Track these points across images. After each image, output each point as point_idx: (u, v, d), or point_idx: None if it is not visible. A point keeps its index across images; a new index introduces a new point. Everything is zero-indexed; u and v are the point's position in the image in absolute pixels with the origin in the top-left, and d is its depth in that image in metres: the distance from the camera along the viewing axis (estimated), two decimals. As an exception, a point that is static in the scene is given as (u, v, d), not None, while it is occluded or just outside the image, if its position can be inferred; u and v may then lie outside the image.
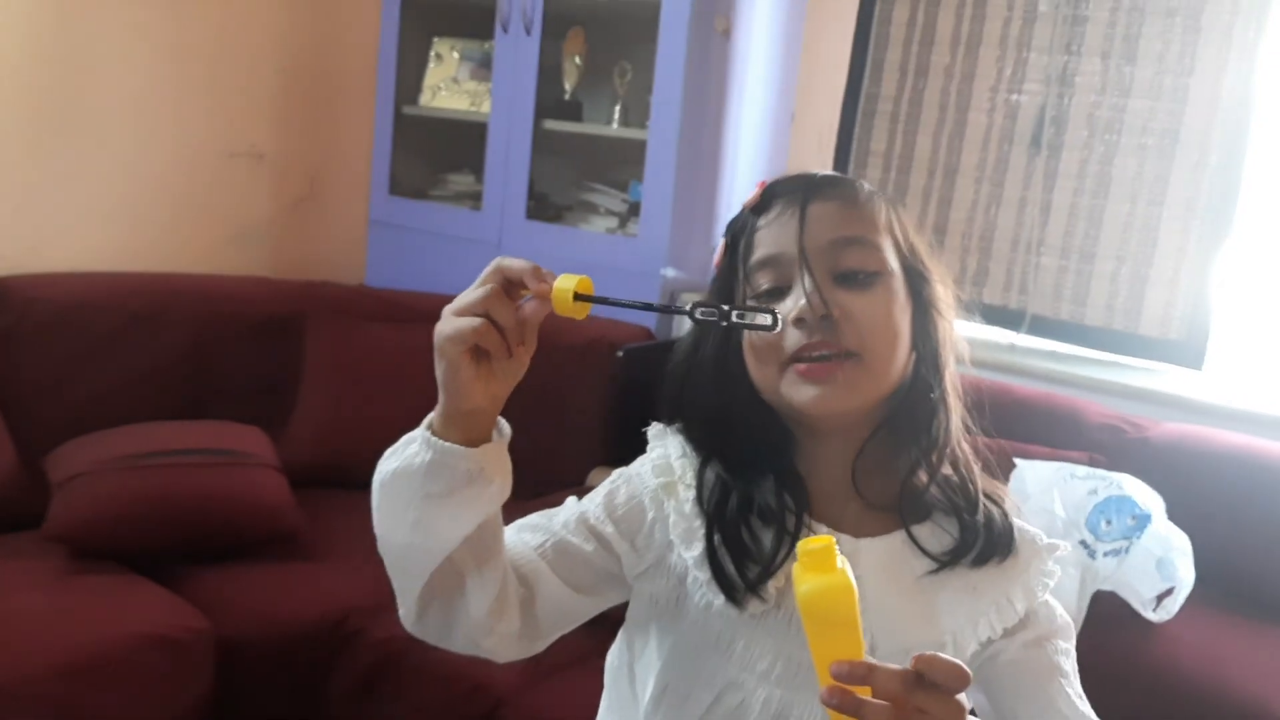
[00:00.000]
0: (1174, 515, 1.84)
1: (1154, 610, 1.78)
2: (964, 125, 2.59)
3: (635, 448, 0.97)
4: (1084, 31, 2.44)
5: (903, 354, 0.88)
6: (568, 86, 2.79)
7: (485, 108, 2.81)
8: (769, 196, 0.92)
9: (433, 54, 2.96)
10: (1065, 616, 0.92)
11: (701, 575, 0.87)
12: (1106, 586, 1.79)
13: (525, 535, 0.92)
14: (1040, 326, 2.53)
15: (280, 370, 2.52)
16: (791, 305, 0.85)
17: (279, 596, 1.97)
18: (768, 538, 0.87)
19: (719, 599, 0.86)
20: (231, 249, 2.90)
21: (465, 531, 0.80)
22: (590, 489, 0.96)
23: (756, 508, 0.89)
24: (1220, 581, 1.87)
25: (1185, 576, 1.76)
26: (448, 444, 0.78)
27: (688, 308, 0.81)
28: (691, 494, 0.90)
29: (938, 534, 0.90)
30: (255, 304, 2.58)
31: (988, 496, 0.92)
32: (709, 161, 2.61)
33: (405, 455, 0.80)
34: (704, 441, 0.93)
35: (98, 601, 1.84)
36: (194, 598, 1.90)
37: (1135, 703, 1.72)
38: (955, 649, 0.86)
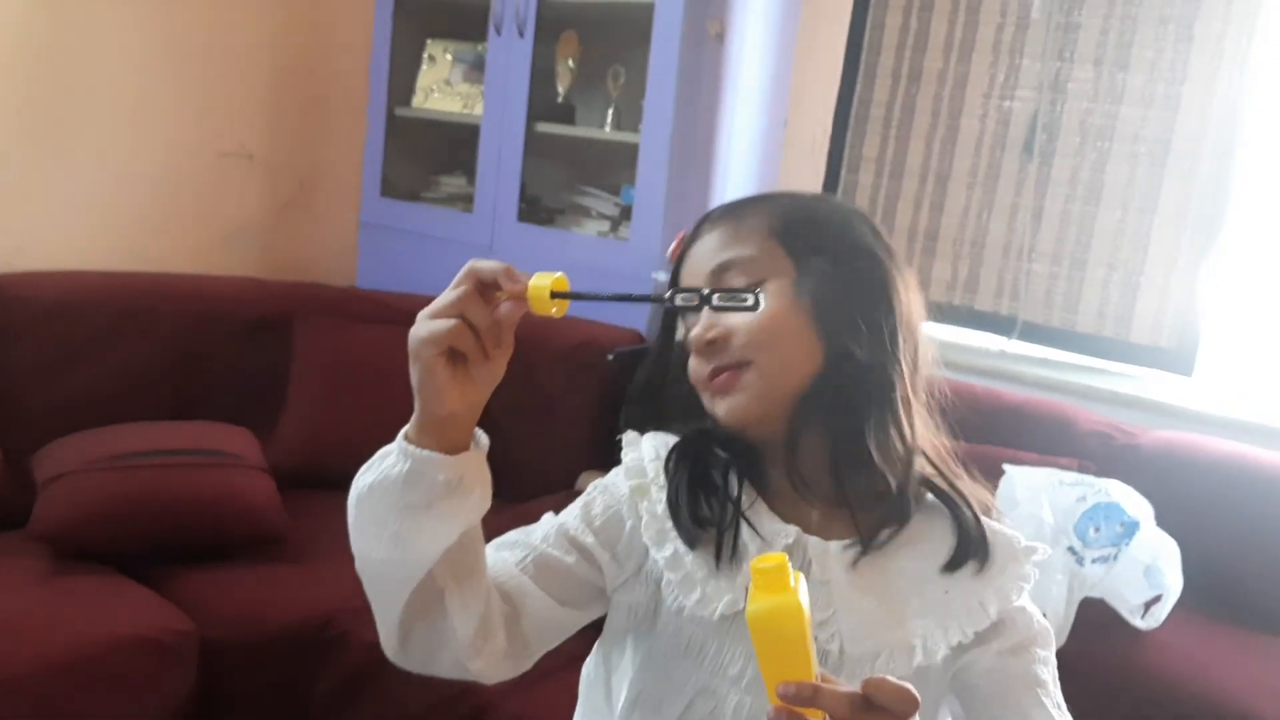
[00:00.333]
0: (1163, 522, 1.84)
1: (1142, 617, 1.78)
2: (956, 131, 2.59)
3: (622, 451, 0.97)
4: (1076, 39, 2.45)
5: (801, 349, 0.88)
6: (560, 89, 2.78)
7: (478, 110, 2.80)
8: (688, 241, 0.97)
9: (425, 56, 2.95)
10: (1044, 622, 0.91)
11: (673, 576, 0.87)
12: (1094, 593, 1.79)
13: (504, 553, 0.91)
14: (1031, 333, 2.53)
15: (269, 371, 2.51)
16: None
17: (264, 598, 1.96)
18: (718, 506, 0.89)
19: (691, 598, 0.86)
20: (222, 249, 2.89)
21: (446, 544, 0.78)
22: (580, 492, 0.96)
23: (709, 480, 0.90)
24: (1208, 589, 1.86)
25: (1173, 584, 1.76)
26: (426, 452, 0.77)
27: (666, 295, 0.81)
28: (664, 495, 0.90)
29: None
30: (245, 304, 2.57)
31: (963, 497, 0.91)
32: (701, 166, 2.60)
33: (382, 467, 0.79)
34: (678, 441, 0.94)
35: (82, 602, 1.83)
36: (179, 599, 1.89)
37: (1122, 710, 1.72)
38: (925, 653, 0.86)
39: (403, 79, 2.94)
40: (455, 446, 0.78)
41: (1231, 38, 2.29)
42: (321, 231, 3.12)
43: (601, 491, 0.94)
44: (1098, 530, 1.78)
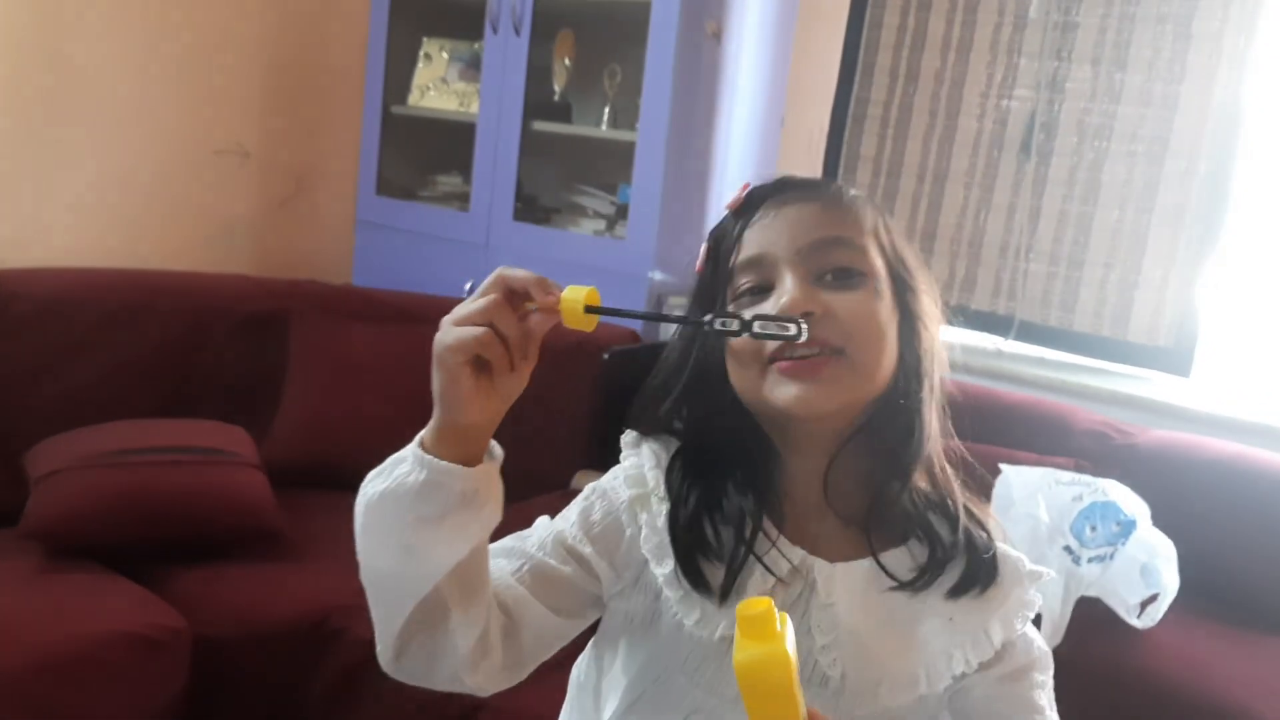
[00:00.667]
0: (1159, 521, 1.83)
1: (1138, 616, 1.77)
2: (954, 130, 2.58)
3: (621, 451, 0.95)
4: (1074, 38, 2.44)
5: (889, 357, 0.85)
6: (557, 88, 2.78)
7: (474, 108, 2.80)
8: (753, 199, 0.90)
9: (422, 54, 2.95)
10: (1043, 646, 0.90)
11: (673, 594, 0.84)
12: (1091, 592, 1.78)
13: (500, 561, 0.88)
14: (1028, 332, 2.53)
15: (264, 369, 2.50)
16: (773, 305, 0.83)
17: (259, 596, 1.95)
18: (728, 537, 0.85)
19: (691, 618, 0.83)
20: (217, 247, 2.88)
21: (457, 558, 0.76)
22: (576, 492, 0.94)
23: (720, 506, 0.86)
24: (1205, 588, 1.86)
25: (1169, 583, 1.76)
26: (444, 463, 0.74)
27: (706, 318, 0.79)
28: (664, 507, 0.87)
29: (906, 561, 0.87)
30: (240, 302, 2.56)
31: (973, 519, 0.89)
32: (698, 164, 2.60)
33: (395, 475, 0.76)
34: (680, 449, 0.90)
35: (74, 599, 1.82)
36: (172, 596, 1.88)
37: (1118, 709, 1.71)
38: (928, 682, 0.84)
39: (399, 77, 2.93)
40: (471, 458, 0.76)
41: (1229, 36, 2.28)
42: (317, 229, 3.11)
43: (600, 497, 0.91)
44: (1094, 529, 1.78)
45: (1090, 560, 1.76)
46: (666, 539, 0.85)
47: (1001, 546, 0.88)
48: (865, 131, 2.70)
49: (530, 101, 2.67)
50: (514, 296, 0.75)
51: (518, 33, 2.64)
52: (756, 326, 0.78)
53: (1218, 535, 1.94)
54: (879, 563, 0.86)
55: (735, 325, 0.78)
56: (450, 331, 0.73)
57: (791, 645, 0.66)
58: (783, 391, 0.82)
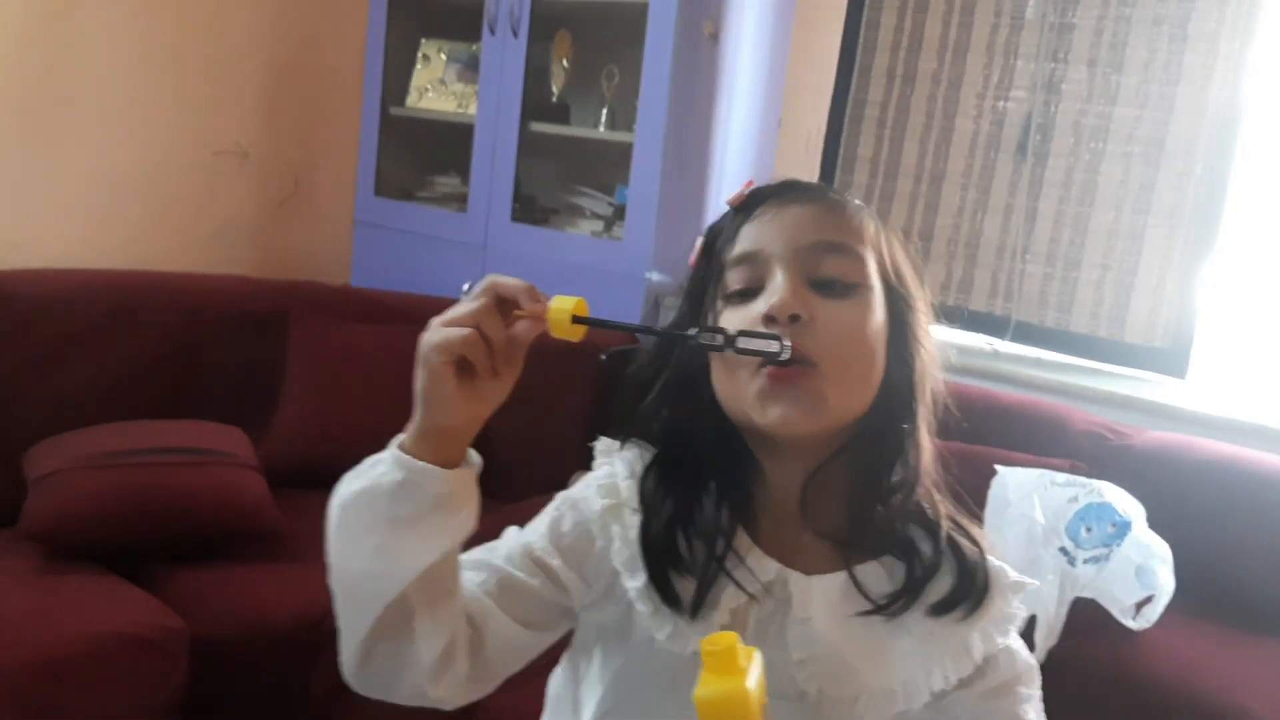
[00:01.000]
0: (1155, 523, 1.83)
1: (1133, 618, 1.77)
2: (950, 132, 2.59)
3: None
4: (1071, 39, 2.45)
5: (874, 374, 0.83)
6: (555, 89, 2.78)
7: (472, 109, 2.80)
8: (755, 197, 0.89)
9: (420, 55, 2.95)
10: (1029, 659, 0.87)
11: (644, 608, 0.83)
12: (1086, 594, 1.79)
13: (467, 574, 0.86)
14: (1025, 333, 2.53)
15: (263, 370, 2.50)
16: (763, 303, 0.81)
17: (257, 596, 1.95)
18: (701, 551, 0.83)
19: (663, 633, 0.82)
20: (215, 247, 2.88)
21: (428, 562, 0.76)
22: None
23: (694, 518, 0.84)
24: (1200, 590, 1.86)
25: (1165, 584, 1.76)
26: (421, 463, 0.75)
27: (691, 332, 0.79)
28: (637, 519, 0.85)
29: (882, 576, 0.85)
30: (238, 302, 2.56)
31: (961, 531, 0.87)
32: (696, 166, 2.60)
33: (372, 475, 0.76)
34: (656, 456, 0.89)
35: (71, 600, 1.82)
36: (170, 597, 1.89)
37: (1113, 710, 1.72)
38: (906, 699, 0.82)
39: (397, 78, 2.94)
40: (450, 461, 0.76)
41: (1225, 38, 2.29)
42: (316, 230, 3.12)
43: (571, 507, 0.89)
44: (1090, 530, 1.78)
45: (1086, 561, 1.77)
46: (638, 552, 0.84)
47: (994, 562, 0.86)
48: (862, 133, 2.70)
49: (528, 103, 2.67)
50: (503, 303, 0.76)
51: (515, 34, 2.65)
52: (740, 343, 0.77)
53: (1213, 536, 1.94)
54: (854, 579, 0.84)
55: (719, 340, 0.78)
56: (437, 332, 0.74)
57: (755, 680, 0.64)
58: (767, 411, 0.80)
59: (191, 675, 1.84)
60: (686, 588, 0.82)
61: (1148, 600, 1.77)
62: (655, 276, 2.54)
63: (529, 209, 2.81)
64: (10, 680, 1.64)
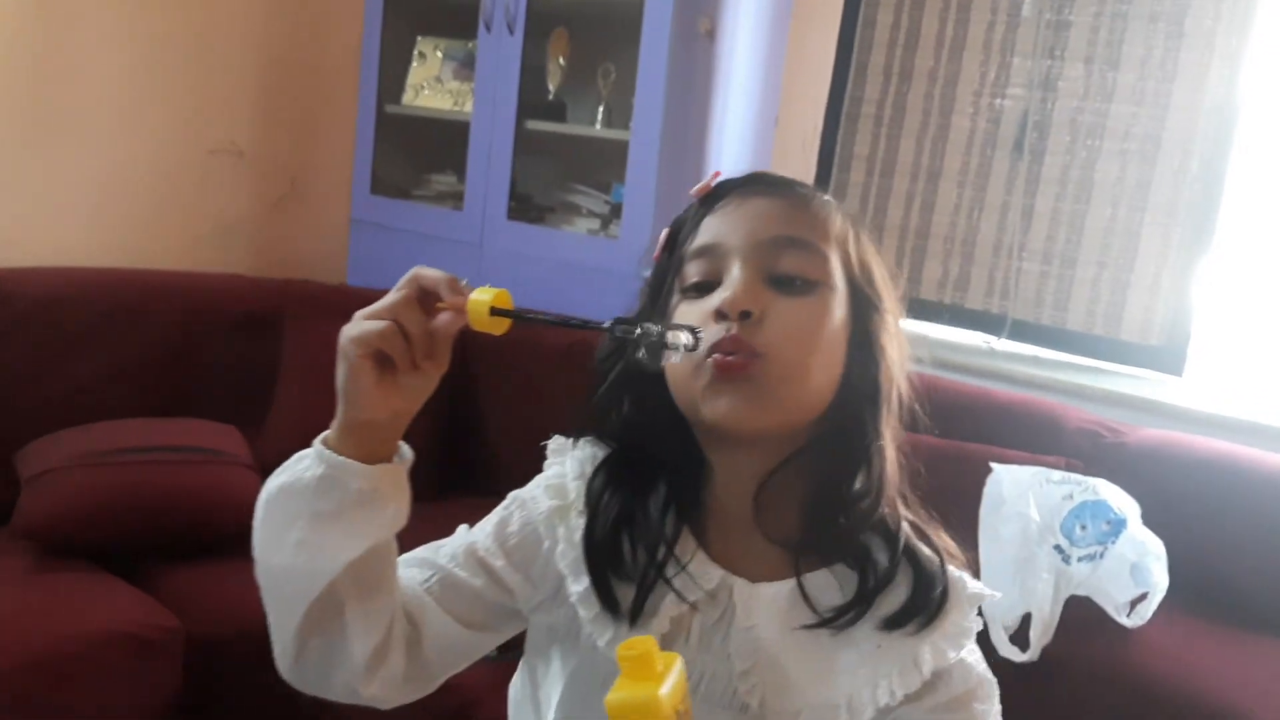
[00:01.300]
0: (1150, 520, 1.83)
1: (1128, 615, 1.77)
2: (947, 129, 2.58)
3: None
4: (1067, 36, 2.44)
5: (827, 375, 0.81)
6: (551, 87, 2.78)
7: (468, 107, 2.80)
8: (721, 189, 0.86)
9: (416, 53, 2.95)
10: (985, 673, 0.83)
11: (586, 613, 0.81)
12: (1081, 591, 1.78)
13: (412, 571, 0.86)
14: (1021, 331, 2.53)
15: (258, 368, 2.50)
16: (717, 298, 0.79)
17: (252, 595, 1.92)
18: (643, 556, 0.81)
19: (604, 638, 0.80)
20: (211, 246, 2.88)
21: (351, 556, 0.75)
22: None
23: (637, 522, 0.82)
24: (1195, 587, 1.86)
25: (1159, 582, 1.76)
26: (341, 458, 0.74)
27: (606, 324, 0.77)
28: (583, 522, 0.84)
29: (834, 586, 0.82)
30: (234, 301, 2.57)
31: (924, 538, 0.84)
32: (692, 163, 2.60)
33: (296, 470, 0.76)
34: (608, 455, 0.87)
35: (65, 598, 1.83)
36: (165, 596, 1.89)
37: (1108, 708, 1.72)
38: (849, 714, 0.79)
39: (393, 76, 2.93)
40: (375, 456, 0.75)
41: (1222, 35, 2.28)
42: (312, 229, 3.12)
43: (519, 507, 0.88)
44: (1084, 528, 1.78)
45: (1080, 559, 1.76)
46: (582, 554, 0.82)
47: (955, 572, 0.83)
48: (859, 130, 2.70)
49: (524, 100, 2.67)
50: (426, 296, 0.75)
51: (511, 31, 2.64)
52: (657, 334, 0.76)
53: (1209, 534, 1.94)
54: (802, 589, 0.81)
55: (634, 333, 0.76)
56: (355, 324, 0.74)
57: (670, 687, 0.63)
58: (714, 403, 0.78)
59: (186, 674, 1.84)
60: (627, 593, 0.81)
61: (1142, 598, 1.77)
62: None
63: (525, 207, 2.81)
64: (4, 680, 1.64)
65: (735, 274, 0.79)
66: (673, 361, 0.79)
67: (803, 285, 0.80)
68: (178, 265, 2.70)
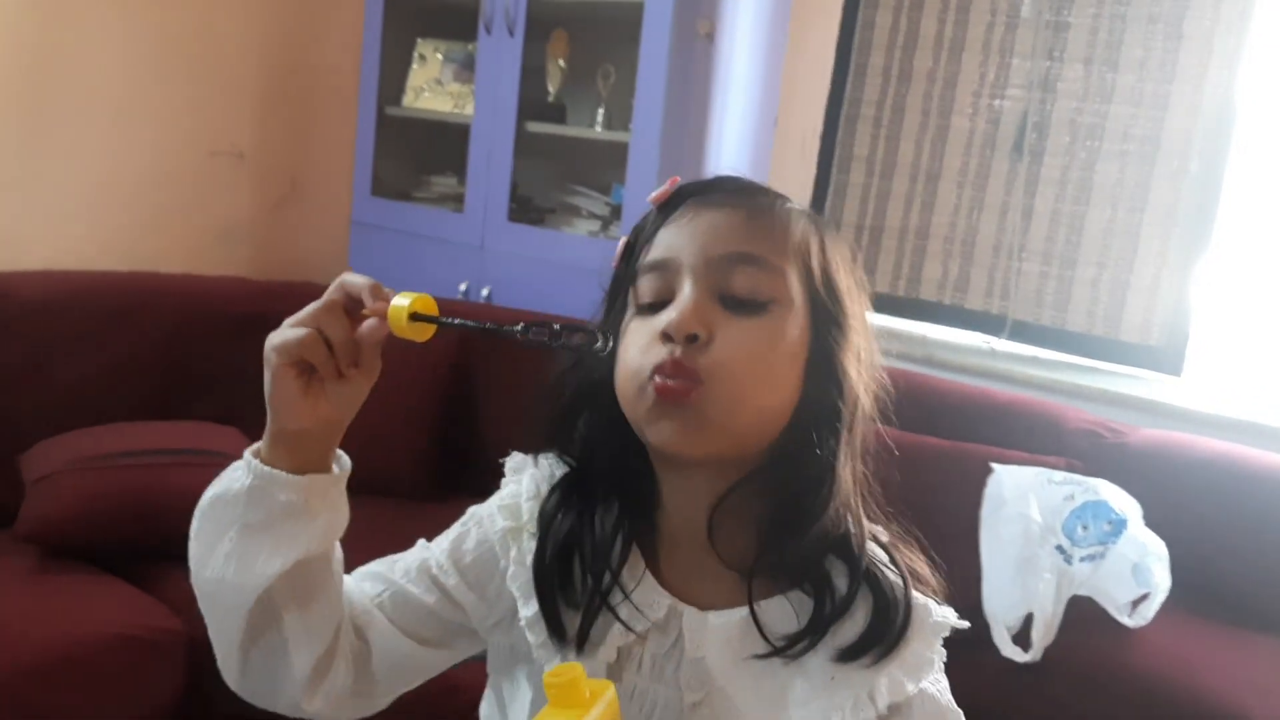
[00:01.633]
0: (1151, 521, 1.84)
1: (1129, 615, 1.78)
2: (946, 130, 2.59)
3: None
4: (1066, 38, 2.45)
5: (776, 397, 0.77)
6: (551, 89, 2.78)
7: (468, 109, 2.80)
8: (678, 196, 0.82)
9: (416, 55, 2.95)
10: (949, 706, 0.79)
11: (534, 639, 0.80)
12: (1082, 591, 1.79)
13: (365, 584, 0.85)
14: (1021, 332, 2.54)
15: (259, 371, 2.49)
16: (664, 319, 0.75)
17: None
18: (592, 583, 0.79)
19: (550, 665, 0.78)
20: (212, 248, 2.88)
21: (279, 568, 0.73)
22: None
23: (586, 545, 0.81)
24: (1196, 587, 1.87)
25: (1161, 582, 1.76)
26: (269, 469, 0.73)
27: (517, 328, 0.75)
28: (534, 545, 0.82)
29: (789, 613, 0.78)
30: (234, 303, 2.56)
31: (895, 568, 0.80)
32: (692, 165, 2.60)
33: (227, 480, 0.75)
34: (564, 475, 0.85)
35: (68, 601, 1.83)
36: (168, 597, 1.89)
37: (1110, 707, 1.72)
38: None
39: (393, 78, 2.93)
40: (308, 466, 0.74)
41: (1220, 36, 2.29)
42: (312, 231, 3.12)
43: (476, 524, 0.86)
44: (1086, 528, 1.78)
45: (1082, 559, 1.77)
46: (531, 578, 0.81)
47: (919, 600, 0.79)
48: (858, 131, 2.70)
49: (524, 102, 2.67)
50: (352, 303, 0.73)
51: (511, 33, 2.65)
52: (564, 338, 0.75)
53: (1210, 534, 1.94)
54: (755, 617, 0.77)
55: (545, 335, 0.75)
56: (279, 332, 0.72)
57: (597, 715, 0.62)
58: (655, 428, 0.76)
59: (188, 675, 1.84)
60: (575, 620, 0.79)
61: (1143, 598, 1.78)
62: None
63: (525, 209, 2.81)
64: (7, 682, 1.64)
65: (685, 293, 0.76)
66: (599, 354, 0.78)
67: (754, 306, 0.76)
68: (178, 268, 2.70)
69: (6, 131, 2.43)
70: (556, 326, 0.75)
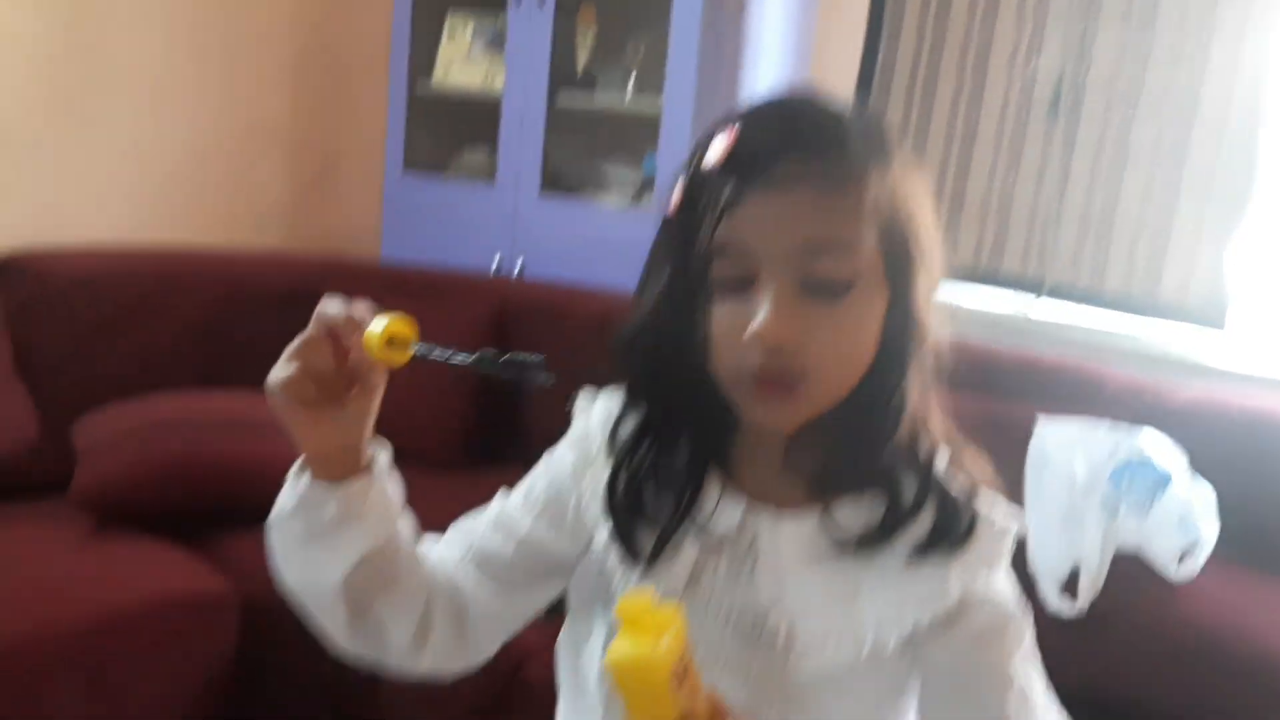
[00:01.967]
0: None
1: (1176, 568, 1.77)
2: (981, 93, 2.58)
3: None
4: (1101, -2, 2.43)
5: (864, 362, 0.79)
6: (581, 60, 2.78)
7: (499, 83, 2.80)
8: (743, 149, 0.77)
9: (446, 29, 2.95)
10: (1017, 610, 0.81)
11: (610, 561, 0.83)
12: (1129, 542, 1.78)
13: (449, 549, 0.89)
14: (1059, 294, 2.53)
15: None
16: (756, 317, 0.74)
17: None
18: (668, 501, 0.82)
19: (627, 584, 0.81)
20: (248, 225, 2.91)
21: (343, 571, 0.79)
22: None
23: (664, 466, 0.83)
24: (1243, 541, 1.85)
25: (1208, 533, 1.75)
26: (310, 484, 0.78)
27: (475, 356, 0.78)
28: (610, 467, 0.84)
29: (860, 514, 0.81)
30: (272, 278, 2.58)
31: (959, 467, 0.82)
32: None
33: (282, 498, 0.80)
34: (636, 397, 0.86)
35: (121, 565, 1.86)
36: (218, 561, 1.91)
37: (1158, 660, 1.72)
38: (875, 642, 0.78)
39: (423, 53, 2.94)
40: (345, 472, 0.79)
41: (1259, -8, 2.27)
42: (346, 206, 3.14)
43: (547, 466, 0.90)
44: (1131, 482, 1.78)
45: (1127, 511, 1.76)
46: (605, 503, 0.83)
47: (983, 500, 0.82)
48: (892, 95, 2.70)
49: (554, 74, 2.68)
50: (333, 332, 0.76)
51: (540, 6, 2.65)
52: (506, 368, 0.79)
53: (1256, 489, 1.93)
54: (827, 516, 0.81)
55: (499, 364, 0.79)
56: (273, 372, 0.75)
57: (668, 642, 0.63)
58: (753, 412, 0.78)
59: (241, 636, 1.87)
60: (649, 539, 0.82)
61: (1190, 550, 1.77)
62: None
63: (557, 181, 2.82)
64: (63, 644, 1.67)
65: (769, 295, 0.74)
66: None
67: (839, 287, 0.75)
68: (216, 243, 2.73)
69: (46, 112, 2.46)
70: (509, 356, 0.78)
